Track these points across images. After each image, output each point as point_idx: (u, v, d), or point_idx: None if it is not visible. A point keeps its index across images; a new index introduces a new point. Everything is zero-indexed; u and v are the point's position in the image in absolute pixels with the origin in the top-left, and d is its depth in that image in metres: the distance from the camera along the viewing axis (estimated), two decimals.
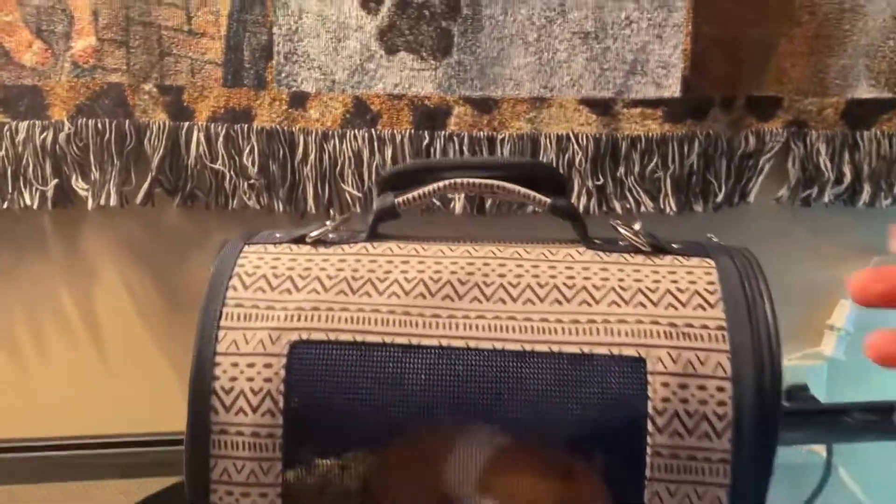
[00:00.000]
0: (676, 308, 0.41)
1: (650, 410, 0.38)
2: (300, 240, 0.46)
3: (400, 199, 0.46)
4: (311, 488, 0.40)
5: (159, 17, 0.68)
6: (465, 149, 0.69)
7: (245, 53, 0.69)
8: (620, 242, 0.45)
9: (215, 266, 0.45)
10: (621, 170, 0.72)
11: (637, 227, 0.45)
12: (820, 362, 0.77)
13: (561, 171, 0.71)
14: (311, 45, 0.69)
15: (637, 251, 0.44)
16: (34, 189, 0.69)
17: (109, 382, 0.77)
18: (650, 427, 0.38)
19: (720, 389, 0.38)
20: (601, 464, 0.39)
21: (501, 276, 0.43)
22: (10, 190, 0.69)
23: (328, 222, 0.47)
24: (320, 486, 0.40)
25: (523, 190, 0.45)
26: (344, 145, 0.70)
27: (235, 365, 0.41)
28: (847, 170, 0.74)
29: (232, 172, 0.70)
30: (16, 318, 0.76)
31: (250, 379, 0.41)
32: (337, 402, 0.40)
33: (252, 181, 0.70)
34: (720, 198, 0.74)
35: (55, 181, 0.69)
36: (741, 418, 0.38)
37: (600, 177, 0.71)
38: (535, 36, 0.69)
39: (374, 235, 0.47)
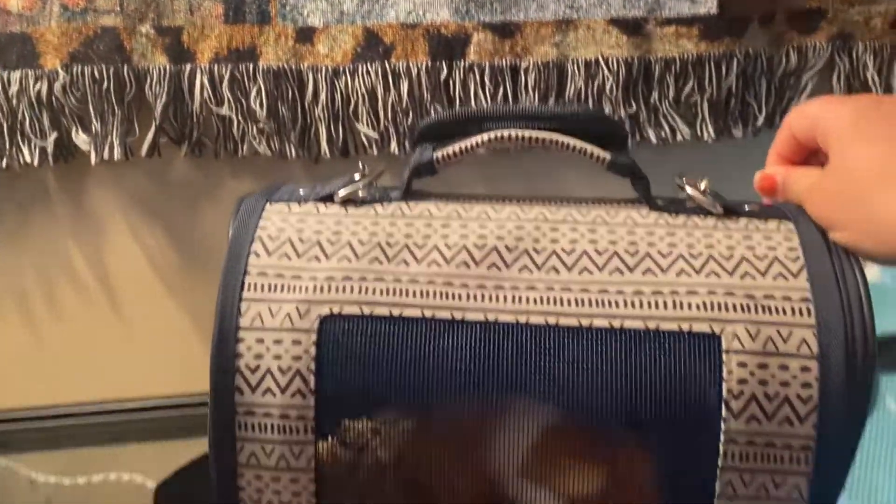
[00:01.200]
0: (754, 277, 0.35)
1: (725, 394, 0.34)
2: (328, 198, 0.40)
3: (439, 154, 0.40)
4: (345, 465, 0.36)
5: None
6: (486, 79, 0.63)
7: None
8: (687, 204, 0.39)
9: (234, 227, 0.39)
10: (655, 95, 0.65)
11: (704, 185, 0.39)
12: None
13: (591, 99, 0.65)
14: None
15: (707, 213, 0.38)
16: (33, 144, 0.63)
17: (127, 342, 0.73)
18: (724, 412, 0.34)
19: (805, 369, 0.33)
20: (668, 451, 0.35)
21: (554, 241, 0.37)
22: (7, 146, 0.64)
23: (356, 175, 0.41)
24: (354, 462, 0.36)
25: (580, 144, 0.38)
26: (356, 82, 0.64)
27: (261, 341, 0.36)
28: None
29: (239, 117, 0.64)
30: (26, 279, 0.72)
31: (277, 357, 0.36)
32: (372, 382, 0.36)
33: (261, 125, 0.64)
34: (760, 121, 0.68)
35: (54, 135, 0.63)
36: (828, 401, 0.33)
37: (633, 104, 0.65)
38: None
39: (409, 193, 0.41)
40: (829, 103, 0.38)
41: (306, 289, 0.37)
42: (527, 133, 0.39)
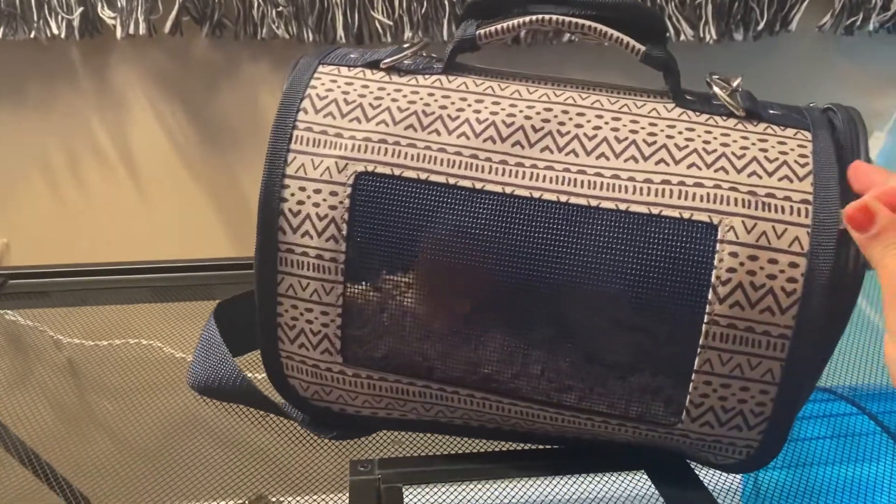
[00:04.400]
0: (760, 177, 0.35)
1: (713, 279, 0.34)
2: (374, 65, 0.41)
3: (482, 32, 0.40)
4: (371, 305, 0.38)
5: None
6: None
7: None
8: (714, 102, 0.38)
9: (288, 84, 0.41)
10: None
11: (736, 83, 0.38)
12: None
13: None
14: None
15: (730, 115, 0.37)
16: (60, 18, 0.63)
17: (145, 211, 0.75)
18: (711, 296, 0.34)
19: (793, 265, 0.33)
20: (657, 327, 0.35)
21: (579, 126, 0.37)
22: (35, 18, 0.63)
23: (405, 45, 0.41)
24: (376, 304, 0.38)
25: (617, 34, 0.38)
26: None
27: (303, 189, 0.38)
28: None
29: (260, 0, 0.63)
30: (51, 149, 0.72)
31: (316, 205, 0.38)
32: (397, 236, 0.37)
33: (280, 9, 0.63)
34: (761, 25, 0.66)
35: (81, 9, 0.63)
36: (811, 296, 0.33)
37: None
38: None
39: (450, 67, 0.41)
40: None
41: (346, 147, 0.38)
42: (568, 18, 0.38)
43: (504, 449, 0.43)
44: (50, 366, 0.57)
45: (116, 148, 0.73)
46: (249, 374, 0.44)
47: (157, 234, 0.76)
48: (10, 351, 0.60)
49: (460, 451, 0.44)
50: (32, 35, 0.65)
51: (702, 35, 0.66)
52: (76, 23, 0.64)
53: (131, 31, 0.63)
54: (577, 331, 0.36)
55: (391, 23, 0.64)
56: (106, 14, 0.64)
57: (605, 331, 0.36)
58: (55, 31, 0.64)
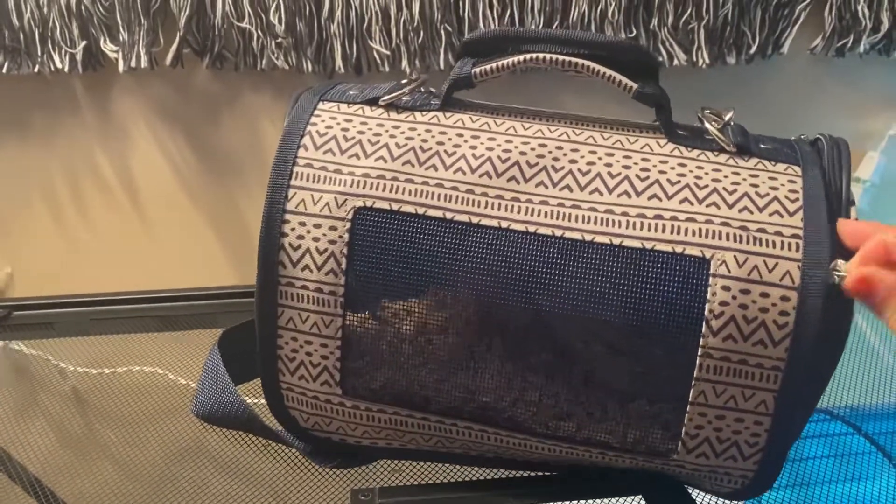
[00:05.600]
0: (752, 212, 0.35)
1: (706, 313, 0.34)
2: (373, 101, 0.41)
3: (477, 70, 0.40)
4: (370, 336, 0.39)
5: None
6: (494, 1, 0.62)
7: None
8: (706, 137, 0.39)
9: (289, 121, 0.41)
10: (655, 21, 0.65)
11: (727, 117, 0.38)
12: None
13: (594, 23, 0.63)
14: None
15: (721, 150, 0.38)
16: (63, 52, 0.64)
17: (148, 240, 0.75)
18: (704, 329, 0.34)
19: (784, 299, 0.34)
20: (651, 360, 0.36)
21: (573, 161, 0.38)
22: (39, 53, 0.64)
23: (403, 81, 0.42)
24: (378, 335, 0.39)
25: (609, 72, 0.38)
26: (370, 0, 0.63)
27: (303, 224, 0.38)
28: (885, 17, 0.66)
29: (259, 31, 0.64)
30: (55, 181, 0.73)
31: (316, 239, 0.38)
32: (395, 269, 0.37)
33: (279, 40, 0.64)
34: (753, 49, 0.67)
35: (83, 43, 0.64)
36: (803, 329, 0.33)
37: (633, 29, 0.64)
38: None
39: (447, 103, 0.41)
40: None
41: (345, 182, 0.38)
42: (560, 58, 0.38)
43: (503, 476, 0.43)
44: (55, 395, 0.57)
45: (119, 179, 0.74)
46: (252, 400, 0.44)
47: (161, 263, 0.76)
48: (14, 381, 0.60)
49: (460, 479, 0.44)
50: (36, 69, 0.65)
51: (695, 59, 0.66)
52: (79, 57, 0.65)
53: (133, 64, 0.64)
54: (573, 360, 0.37)
55: (388, 53, 0.64)
56: (108, 48, 0.64)
57: (601, 361, 0.36)
58: (58, 65, 0.65)
